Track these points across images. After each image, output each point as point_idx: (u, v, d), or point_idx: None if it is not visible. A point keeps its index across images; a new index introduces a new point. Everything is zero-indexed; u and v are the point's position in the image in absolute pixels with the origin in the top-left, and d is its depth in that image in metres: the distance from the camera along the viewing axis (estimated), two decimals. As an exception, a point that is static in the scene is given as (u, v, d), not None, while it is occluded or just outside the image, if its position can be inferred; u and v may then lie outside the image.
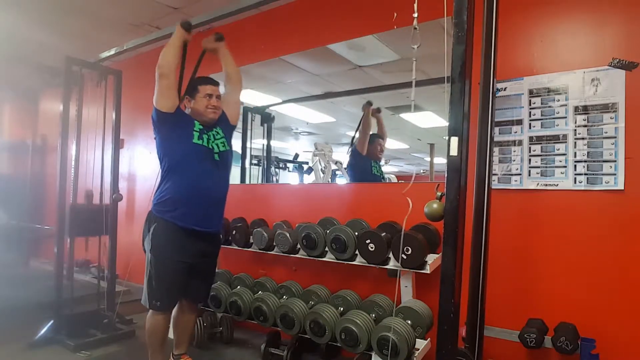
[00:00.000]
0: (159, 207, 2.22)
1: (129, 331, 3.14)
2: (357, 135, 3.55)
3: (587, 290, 2.07)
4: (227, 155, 2.35)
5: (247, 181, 4.25)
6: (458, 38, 1.49)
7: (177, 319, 2.40)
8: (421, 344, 2.18)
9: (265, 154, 4.51)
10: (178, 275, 2.20)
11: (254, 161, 4.60)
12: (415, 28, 1.68)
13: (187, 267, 2.22)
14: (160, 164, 2.26)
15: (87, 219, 3.12)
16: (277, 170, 5.08)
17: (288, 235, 2.71)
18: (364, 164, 3.43)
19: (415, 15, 1.67)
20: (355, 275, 2.79)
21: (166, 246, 2.18)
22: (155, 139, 2.26)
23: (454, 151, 1.48)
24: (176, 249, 2.18)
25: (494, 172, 2.30)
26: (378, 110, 3.60)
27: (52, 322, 2.95)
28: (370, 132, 3.55)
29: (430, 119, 4.62)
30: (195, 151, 2.21)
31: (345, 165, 4.25)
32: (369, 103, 3.55)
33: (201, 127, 2.26)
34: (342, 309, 2.51)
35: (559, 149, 2.17)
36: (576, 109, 2.13)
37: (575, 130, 2.13)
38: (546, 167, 2.20)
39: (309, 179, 4.50)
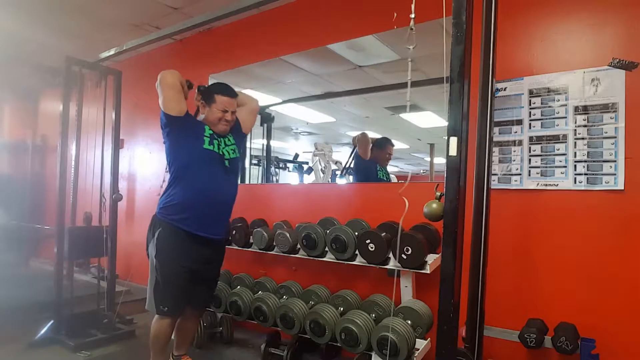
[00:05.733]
0: (165, 211, 2.20)
1: (129, 331, 3.14)
2: (354, 158, 3.55)
3: (587, 290, 2.07)
4: (236, 162, 2.34)
5: (247, 181, 4.25)
6: (457, 38, 1.49)
7: (180, 324, 2.38)
8: (421, 344, 2.18)
9: (265, 154, 4.51)
10: (183, 281, 2.19)
11: (254, 161, 4.60)
12: (411, 29, 1.67)
13: (191, 272, 2.21)
14: (169, 168, 2.24)
15: (87, 241, 3.11)
16: (277, 170, 5.08)
17: (288, 235, 2.71)
18: (369, 167, 3.39)
19: (412, 16, 1.67)
20: (355, 275, 2.79)
21: (171, 251, 2.17)
22: (164, 143, 2.24)
23: (453, 151, 1.48)
24: (181, 254, 2.17)
25: (494, 172, 2.30)
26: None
27: (52, 322, 2.95)
28: (380, 136, 3.54)
29: (430, 119, 4.62)
30: (205, 157, 2.19)
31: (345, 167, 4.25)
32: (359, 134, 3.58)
33: (211, 132, 2.24)
34: (342, 309, 2.51)
35: (559, 149, 2.17)
36: (576, 109, 2.13)
37: (575, 130, 2.13)
38: (546, 167, 2.20)
39: (309, 179, 4.49)
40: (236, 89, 2.35)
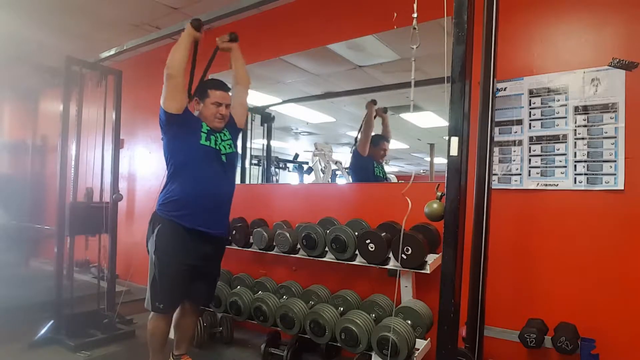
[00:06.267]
0: (164, 207, 2.20)
1: (129, 331, 3.15)
2: (359, 135, 3.51)
3: (587, 290, 2.07)
4: (233, 157, 2.35)
5: (247, 181, 4.25)
6: (458, 38, 1.49)
7: (179, 321, 2.40)
8: (421, 344, 2.19)
9: (265, 154, 4.51)
10: (182, 277, 2.20)
11: (254, 161, 4.60)
12: (414, 28, 1.68)
13: (190, 269, 2.21)
14: (167, 165, 2.25)
15: (87, 217, 3.10)
16: (277, 170, 5.09)
17: (288, 235, 2.71)
18: (366, 164, 3.40)
19: (415, 15, 1.67)
20: (355, 275, 2.79)
21: (171, 247, 2.17)
22: (162, 139, 2.25)
23: (454, 151, 1.48)
24: (181, 251, 2.17)
25: (494, 172, 2.30)
26: (385, 110, 3.52)
27: (52, 322, 2.95)
28: (374, 133, 3.53)
29: (430, 119, 4.62)
30: (202, 153, 2.20)
31: (345, 165, 4.25)
32: (374, 101, 3.47)
33: (208, 128, 2.25)
34: (342, 309, 2.51)
35: (559, 149, 2.17)
36: (576, 109, 2.13)
37: (575, 130, 2.13)
38: (546, 167, 2.20)
39: (309, 179, 4.50)
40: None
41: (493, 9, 1.85)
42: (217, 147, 2.25)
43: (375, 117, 3.47)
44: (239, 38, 2.45)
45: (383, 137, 3.55)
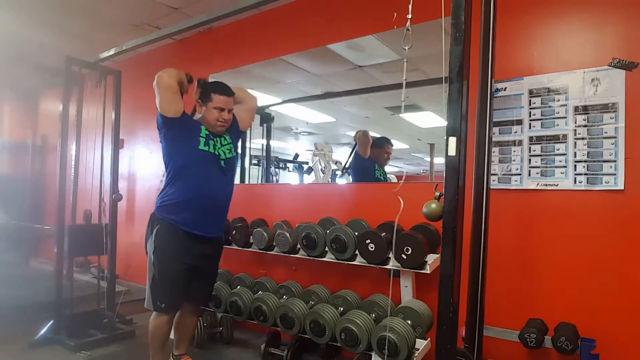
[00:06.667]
0: (162, 209, 2.21)
1: (129, 331, 3.14)
2: (353, 156, 3.53)
3: (587, 290, 2.07)
4: (232, 161, 2.35)
5: (247, 181, 4.25)
6: (455, 38, 1.49)
7: (179, 321, 2.40)
8: (421, 344, 2.19)
9: (265, 154, 4.51)
10: (182, 277, 2.21)
11: (254, 161, 4.60)
12: (408, 29, 1.68)
13: (189, 268, 2.22)
14: (166, 168, 2.25)
15: (86, 239, 3.10)
16: (277, 170, 5.08)
17: (288, 235, 2.71)
18: (367, 166, 3.40)
19: (409, 16, 1.67)
20: (355, 275, 2.79)
21: (169, 247, 2.18)
22: (161, 142, 2.25)
23: (452, 151, 1.48)
24: (179, 250, 2.18)
25: (494, 172, 2.30)
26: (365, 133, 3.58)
27: (52, 322, 2.95)
28: (379, 135, 3.53)
29: (430, 119, 4.61)
30: (201, 158, 2.20)
31: (345, 165, 4.24)
32: (360, 131, 3.54)
33: (207, 132, 2.24)
34: (342, 309, 2.51)
35: (559, 149, 2.17)
36: (576, 109, 2.12)
37: (575, 130, 2.13)
38: (546, 167, 2.20)
39: (309, 179, 4.49)
40: (236, 85, 2.35)
41: (490, 9, 1.85)
42: (217, 153, 2.24)
43: None
44: (206, 81, 2.37)
45: (387, 140, 3.54)
